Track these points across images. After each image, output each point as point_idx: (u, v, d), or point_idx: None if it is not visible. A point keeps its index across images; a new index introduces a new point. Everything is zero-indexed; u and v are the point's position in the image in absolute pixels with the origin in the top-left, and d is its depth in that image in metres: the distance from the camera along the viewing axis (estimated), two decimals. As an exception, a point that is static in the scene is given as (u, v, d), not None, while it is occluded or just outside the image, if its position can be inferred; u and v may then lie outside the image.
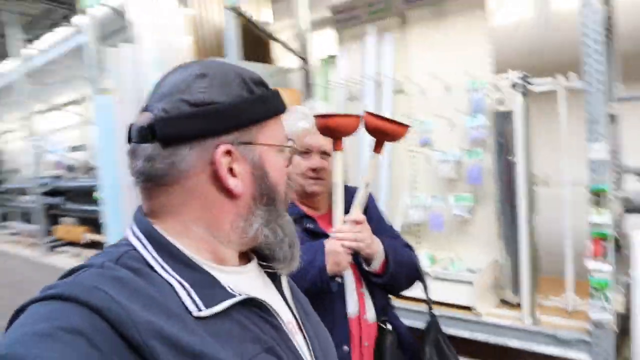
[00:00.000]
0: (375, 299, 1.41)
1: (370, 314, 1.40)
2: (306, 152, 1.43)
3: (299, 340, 0.72)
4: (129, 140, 0.65)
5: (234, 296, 0.63)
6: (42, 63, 7.70)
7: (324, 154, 1.43)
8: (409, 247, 1.52)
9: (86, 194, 7.39)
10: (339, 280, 1.31)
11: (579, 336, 2.52)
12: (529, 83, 2.62)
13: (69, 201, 8.16)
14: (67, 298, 0.52)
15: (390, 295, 1.53)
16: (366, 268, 1.36)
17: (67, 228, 8.06)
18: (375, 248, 1.33)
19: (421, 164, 3.59)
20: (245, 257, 0.75)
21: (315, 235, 1.41)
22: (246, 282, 0.70)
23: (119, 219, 6.00)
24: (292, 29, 5.12)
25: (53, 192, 8.37)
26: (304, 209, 1.48)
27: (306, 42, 4.89)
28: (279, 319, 0.70)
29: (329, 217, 1.46)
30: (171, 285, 0.60)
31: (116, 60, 5.37)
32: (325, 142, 1.42)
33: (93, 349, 0.49)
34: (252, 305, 0.66)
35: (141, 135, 0.62)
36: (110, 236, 6.13)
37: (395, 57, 3.59)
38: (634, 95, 2.79)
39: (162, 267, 0.61)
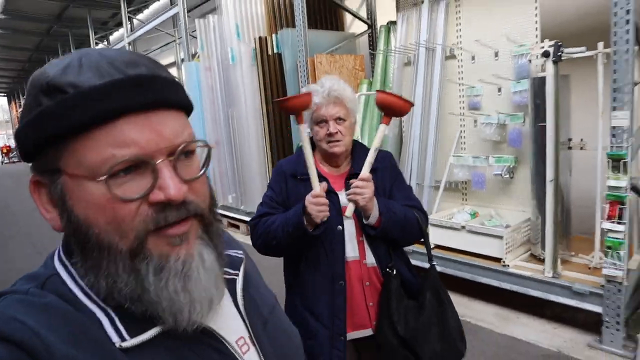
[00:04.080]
0: (375, 247, 1.62)
1: (370, 259, 1.62)
2: (323, 121, 1.62)
3: (249, 358, 0.65)
4: None
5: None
6: (144, 32, 8.66)
7: (339, 119, 1.61)
8: (419, 209, 1.68)
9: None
10: (321, 227, 1.51)
11: (592, 289, 2.73)
12: (561, 51, 2.74)
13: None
14: None
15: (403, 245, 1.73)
16: (364, 221, 1.57)
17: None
18: (371, 206, 1.53)
19: (468, 126, 3.80)
20: None
21: (327, 193, 1.57)
22: None
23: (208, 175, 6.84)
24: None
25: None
26: (325, 169, 1.69)
27: (372, 9, 5.13)
28: (223, 340, 0.62)
29: (344, 176, 1.67)
30: (94, 314, 0.54)
31: (204, 29, 6.01)
32: (337, 110, 1.61)
33: None
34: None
35: None
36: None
37: (447, 24, 3.77)
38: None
39: (85, 293, 0.55)
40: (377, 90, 1.53)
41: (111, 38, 13.84)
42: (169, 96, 0.55)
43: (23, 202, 10.25)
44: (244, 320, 0.67)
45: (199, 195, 0.57)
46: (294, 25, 4.60)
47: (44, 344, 0.48)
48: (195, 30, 6.23)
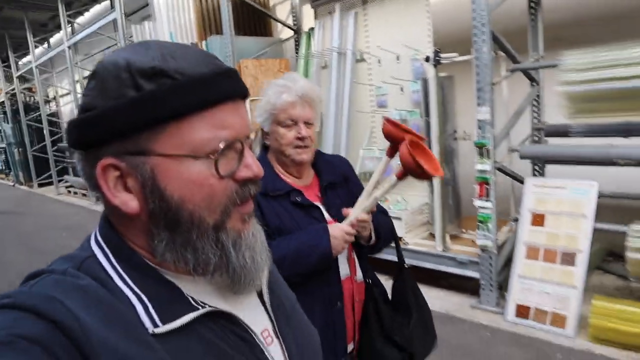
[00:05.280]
0: (362, 261, 1.53)
1: (359, 274, 1.51)
2: (292, 123, 1.44)
3: (273, 350, 0.67)
4: None
5: (196, 309, 0.58)
6: (84, 35, 8.72)
7: (308, 123, 1.46)
8: (384, 212, 1.63)
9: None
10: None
11: (471, 259, 3.22)
12: (439, 57, 3.21)
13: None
14: (24, 308, 0.50)
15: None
16: (364, 243, 1.49)
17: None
18: (369, 232, 1.47)
19: (378, 122, 4.25)
20: None
21: (303, 207, 1.45)
22: (213, 289, 0.64)
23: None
24: (286, 3, 5.74)
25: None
26: (289, 181, 1.50)
27: (298, 16, 5.52)
28: (249, 330, 0.64)
29: (314, 187, 1.53)
30: (128, 298, 0.55)
31: (140, 35, 6.22)
32: (308, 112, 1.45)
33: (51, 357, 0.47)
34: (219, 317, 0.61)
35: None
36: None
37: (356, 31, 4.21)
38: (525, 66, 3.30)
39: (121, 277, 0.57)
40: (410, 142, 1.30)
41: (51, 40, 13.61)
42: (245, 88, 0.62)
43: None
44: (268, 314, 0.70)
45: None
46: (222, 33, 4.92)
47: (80, 325, 0.49)
48: (132, 36, 6.42)
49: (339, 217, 1.44)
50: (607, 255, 3.77)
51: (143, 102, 0.54)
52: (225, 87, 0.58)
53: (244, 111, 0.61)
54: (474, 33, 2.90)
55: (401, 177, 1.32)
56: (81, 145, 0.57)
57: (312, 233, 1.38)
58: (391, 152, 1.38)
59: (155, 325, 0.55)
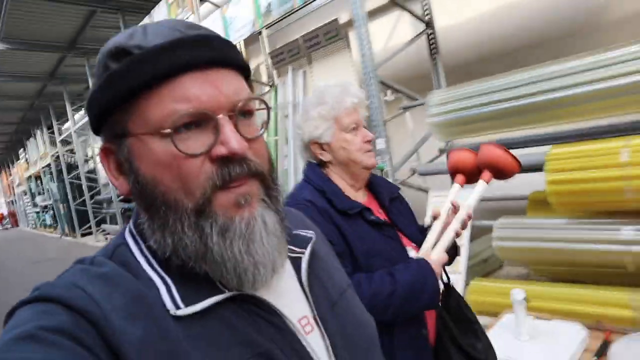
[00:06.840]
0: None
1: None
2: (355, 127, 1.33)
3: (313, 340, 0.61)
4: None
5: (221, 292, 0.56)
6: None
7: (365, 127, 1.37)
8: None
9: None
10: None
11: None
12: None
13: (142, 205, 10.43)
14: (49, 299, 0.50)
15: None
16: (449, 261, 1.30)
17: (140, 226, 10.33)
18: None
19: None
20: None
21: (377, 225, 1.29)
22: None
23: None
24: (261, 65, 6.86)
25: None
26: (353, 196, 1.34)
27: (271, 74, 6.63)
28: (283, 317, 0.59)
29: (374, 202, 1.40)
30: (154, 281, 0.55)
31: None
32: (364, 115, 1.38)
33: (79, 346, 0.47)
34: (247, 302, 0.57)
35: None
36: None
37: (306, 86, 5.24)
38: (415, 103, 4.20)
39: (148, 261, 0.57)
40: (482, 144, 1.32)
41: (88, 107, 15.37)
42: (227, 55, 0.57)
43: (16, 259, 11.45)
44: (308, 300, 0.64)
45: (259, 156, 0.58)
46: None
47: (102, 312, 0.50)
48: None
49: (407, 233, 1.35)
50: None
51: (108, 80, 0.54)
52: (186, 56, 0.53)
53: (220, 80, 0.56)
54: (366, 83, 3.86)
55: (489, 179, 1.32)
56: (94, 130, 0.60)
57: (415, 268, 1.20)
58: (464, 179, 1.35)
59: (178, 307, 0.53)
